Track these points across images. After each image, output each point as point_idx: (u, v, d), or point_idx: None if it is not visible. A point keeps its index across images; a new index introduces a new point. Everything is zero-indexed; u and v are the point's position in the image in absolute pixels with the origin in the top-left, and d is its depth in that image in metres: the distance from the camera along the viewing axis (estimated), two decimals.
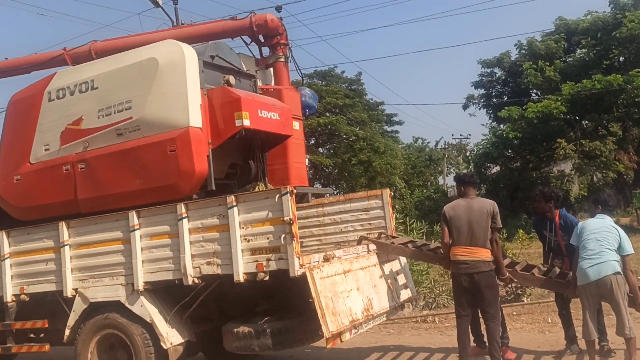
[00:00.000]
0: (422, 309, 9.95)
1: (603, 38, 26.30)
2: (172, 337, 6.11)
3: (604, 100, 24.95)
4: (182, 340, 6.20)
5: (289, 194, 5.43)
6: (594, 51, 26.59)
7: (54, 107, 6.96)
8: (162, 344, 6.02)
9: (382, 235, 6.96)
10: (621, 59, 26.79)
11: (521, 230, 12.93)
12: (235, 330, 5.95)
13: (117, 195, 6.56)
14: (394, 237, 7.04)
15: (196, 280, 5.90)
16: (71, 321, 6.50)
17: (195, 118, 6.23)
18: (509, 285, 9.68)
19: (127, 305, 6.18)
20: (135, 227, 6.15)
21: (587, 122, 26.79)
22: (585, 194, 26.80)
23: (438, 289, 10.54)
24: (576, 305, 7.68)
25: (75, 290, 6.50)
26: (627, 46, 25.74)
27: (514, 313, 8.96)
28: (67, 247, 6.54)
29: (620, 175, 25.96)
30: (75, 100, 6.81)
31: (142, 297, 6.13)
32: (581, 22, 28.19)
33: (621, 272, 5.56)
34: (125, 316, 6.20)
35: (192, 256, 5.90)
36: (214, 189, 6.38)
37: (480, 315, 6.24)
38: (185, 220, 5.92)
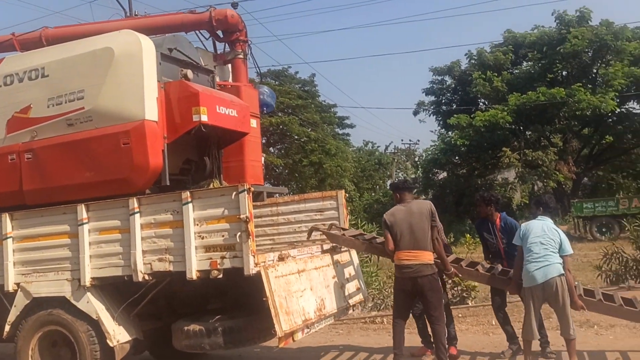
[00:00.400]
0: (371, 310, 10.05)
1: (548, 52, 27.40)
2: (119, 334, 5.95)
3: (547, 112, 25.99)
4: (130, 338, 6.05)
5: (245, 192, 5.37)
6: (540, 64, 27.65)
7: (1, 94, 6.68)
8: (108, 341, 5.85)
9: (333, 227, 6.93)
10: (564, 73, 27.97)
11: (467, 235, 13.26)
12: (185, 328, 5.84)
13: (66, 187, 6.33)
14: (344, 229, 7.01)
15: (147, 277, 5.76)
16: (12, 317, 6.24)
17: (151, 111, 6.09)
18: (455, 288, 9.94)
19: (72, 301, 5.98)
20: (84, 221, 5.95)
21: (530, 132, 27.81)
22: (527, 202, 27.82)
23: (387, 290, 10.65)
24: (513, 307, 7.98)
25: (18, 284, 6.25)
26: (570, 61, 26.91)
27: (460, 315, 9.15)
28: (9, 240, 6.28)
29: (560, 184, 27.08)
30: (24, 88, 6.54)
31: (88, 293, 5.94)
32: (528, 35, 29.26)
33: (564, 274, 5.77)
34: (70, 312, 6.00)
35: (144, 252, 5.75)
36: (168, 184, 6.25)
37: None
38: (137, 215, 5.77)
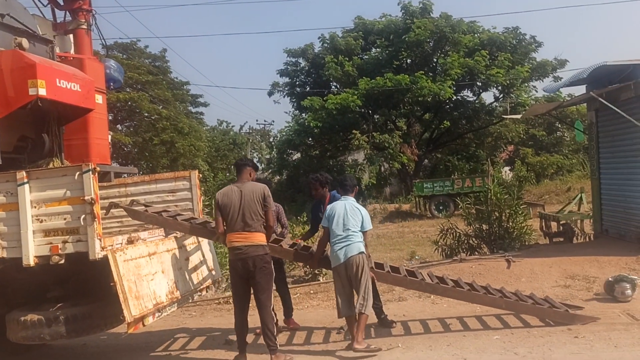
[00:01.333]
0: (225, 291, 10.02)
1: (394, 40, 28.92)
2: None
3: (393, 97, 27.49)
4: None
5: (90, 172, 5.10)
6: (387, 51, 29.09)
7: None
8: None
9: (134, 203, 6.71)
10: (409, 60, 29.69)
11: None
12: (22, 318, 5.45)
13: None
14: (147, 206, 6.70)
15: None
16: None
17: None
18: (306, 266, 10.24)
19: None
20: None
21: (378, 116, 29.23)
22: (374, 182, 29.39)
23: None
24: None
25: None
26: (414, 49, 28.64)
27: (311, 292, 9.47)
28: None
29: (404, 166, 28.90)
30: None
31: None
32: (377, 23, 30.63)
33: (364, 252, 6.11)
34: None
35: None
36: (0, 163, 5.72)
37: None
38: None
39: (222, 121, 51.08)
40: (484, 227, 11.11)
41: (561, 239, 11.03)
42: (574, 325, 6.10)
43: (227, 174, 38.19)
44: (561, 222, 11.42)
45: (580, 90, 11.89)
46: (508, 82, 27.87)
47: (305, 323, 7.43)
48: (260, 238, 5.86)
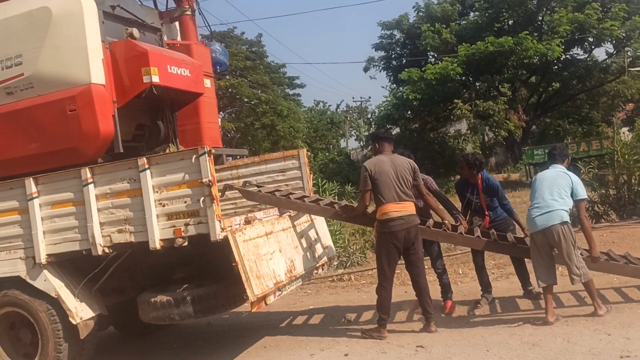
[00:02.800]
0: (337, 268, 10.01)
1: (494, 1, 27.41)
2: (81, 311, 5.68)
3: (495, 62, 26.15)
4: (93, 314, 5.77)
5: (206, 154, 5.12)
6: (486, 14, 27.66)
7: None
8: (70, 319, 5.58)
9: (248, 184, 6.71)
10: (510, 22, 28.06)
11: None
12: (152, 300, 5.62)
13: (10, 161, 5.95)
14: (260, 187, 6.69)
15: (106, 250, 5.48)
16: None
17: (98, 74, 5.70)
18: None
19: (28, 280, 5.65)
20: (34, 196, 5.58)
21: (480, 83, 28.00)
22: (479, 152, 28.25)
23: (351, 247, 10.64)
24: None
25: None
26: (516, 9, 27.00)
27: (427, 266, 9.18)
28: None
29: (510, 133, 27.51)
30: None
31: (45, 271, 5.62)
32: None
33: (569, 222, 5.61)
34: (26, 292, 5.68)
35: (101, 224, 5.47)
36: (121, 151, 5.92)
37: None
38: (91, 186, 5.45)
39: (319, 101, 51.56)
40: (611, 192, 10.26)
41: None
42: None
43: (327, 154, 38.37)
44: None
45: None
46: (624, 34, 25.58)
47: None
48: (414, 208, 5.92)
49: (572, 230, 5.61)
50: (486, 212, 6.71)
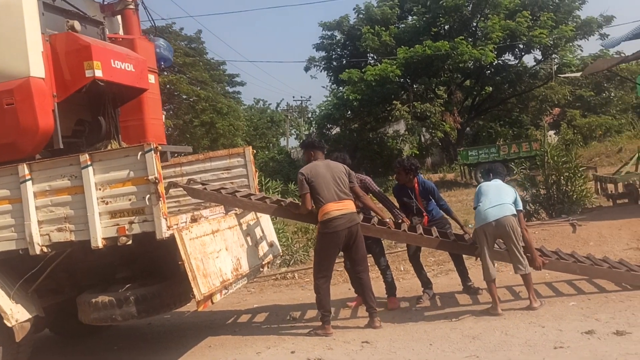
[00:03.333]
0: (280, 267, 10.02)
1: (432, 6, 28.17)
2: (17, 313, 5.47)
3: (432, 65, 26.85)
4: (29, 316, 5.57)
5: (152, 151, 5.03)
6: (424, 18, 28.37)
7: None
8: (5, 322, 5.36)
9: (192, 182, 6.71)
10: (447, 27, 28.89)
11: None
12: (93, 300, 5.46)
13: None
14: (204, 184, 6.67)
15: (45, 249, 5.30)
16: None
17: (37, 67, 5.49)
18: None
19: None
20: None
21: (418, 85, 28.65)
22: (417, 152, 28.93)
23: (295, 245, 10.68)
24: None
25: None
26: (452, 15, 27.84)
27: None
28: None
29: (446, 134, 28.34)
30: None
31: None
32: None
33: (517, 216, 5.94)
34: None
35: (40, 223, 5.28)
36: (61, 147, 5.73)
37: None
38: (29, 183, 5.25)
39: (259, 99, 51.15)
40: (542, 192, 10.75)
41: (626, 201, 10.58)
42: None
43: (267, 152, 38.26)
44: (625, 183, 10.94)
45: (633, 45, 11.26)
46: (552, 42, 26.86)
47: None
48: (354, 206, 6.08)
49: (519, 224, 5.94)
50: (424, 213, 6.92)
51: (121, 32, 7.15)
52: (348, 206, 5.96)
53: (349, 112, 29.65)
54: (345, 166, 6.26)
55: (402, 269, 8.66)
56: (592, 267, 6.21)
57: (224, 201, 6.37)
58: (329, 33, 32.06)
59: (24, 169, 5.24)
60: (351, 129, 30.37)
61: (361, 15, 30.61)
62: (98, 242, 5.14)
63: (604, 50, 27.58)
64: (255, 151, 7.21)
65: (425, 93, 28.95)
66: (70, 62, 5.67)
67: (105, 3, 7.13)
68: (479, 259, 6.19)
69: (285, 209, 6.42)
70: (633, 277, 6.05)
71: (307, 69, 32.95)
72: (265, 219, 7.11)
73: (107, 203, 5.18)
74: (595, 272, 6.22)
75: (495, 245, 6.06)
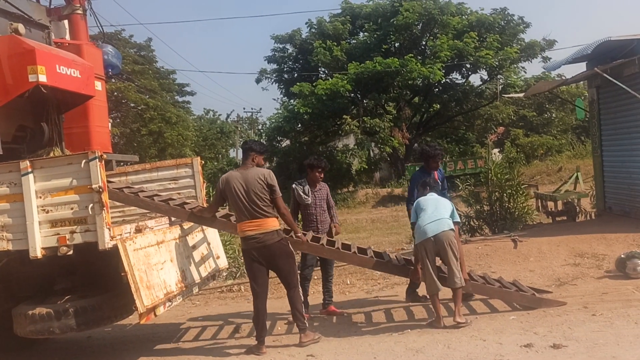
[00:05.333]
0: (227, 279, 9.91)
1: (383, 24, 28.75)
2: None
3: (382, 81, 27.34)
4: None
5: (97, 160, 4.93)
6: (375, 35, 28.88)
7: None
8: None
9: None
10: (397, 44, 29.51)
11: None
12: (29, 312, 5.29)
13: None
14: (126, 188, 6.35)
15: None
16: None
17: None
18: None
19: None
20: None
21: (368, 100, 29.05)
22: (365, 167, 29.28)
23: (241, 258, 10.56)
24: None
25: None
26: (403, 33, 28.48)
27: (315, 277, 9.36)
28: None
29: (395, 150, 28.78)
30: None
31: None
32: (364, 7, 30.40)
33: (454, 230, 6.06)
34: None
35: None
36: (0, 153, 5.52)
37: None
38: None
39: (209, 110, 50.86)
40: (485, 208, 11.07)
41: (564, 218, 11.02)
42: (591, 304, 6.06)
43: (216, 163, 37.96)
44: (564, 201, 11.41)
45: (572, 68, 11.80)
46: (497, 63, 27.79)
47: (316, 309, 7.34)
48: (273, 224, 5.73)
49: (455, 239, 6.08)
50: None
51: (68, 37, 6.99)
52: (262, 225, 5.65)
53: (300, 125, 29.77)
54: (268, 174, 5.80)
55: (349, 282, 8.72)
56: (483, 286, 6.37)
57: (142, 205, 6.14)
58: (280, 46, 32.24)
59: None
60: (301, 142, 30.45)
61: (313, 30, 30.90)
62: (37, 252, 4.99)
63: (546, 73, 28.65)
64: (203, 162, 7.15)
65: (375, 108, 29.37)
66: (13, 65, 5.50)
67: (52, 7, 6.97)
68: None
69: (190, 214, 6.08)
70: (521, 297, 6.24)
71: (258, 80, 32.90)
72: (212, 231, 7.03)
73: (47, 212, 5.04)
74: (486, 290, 6.37)
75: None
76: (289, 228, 6.18)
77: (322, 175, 7.21)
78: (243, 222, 5.70)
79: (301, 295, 6.16)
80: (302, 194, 7.04)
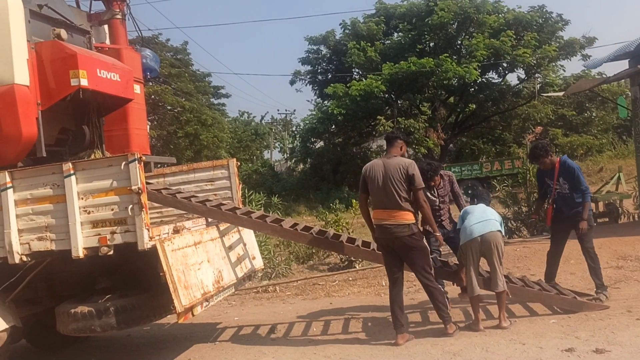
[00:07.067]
0: (262, 280, 9.98)
1: (417, 24, 28.49)
2: None
3: (417, 81, 27.09)
4: (7, 326, 5.51)
5: (136, 161, 5.02)
6: (410, 35, 28.64)
7: None
8: None
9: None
10: (432, 44, 29.22)
11: (354, 200, 13.50)
12: (72, 311, 5.41)
13: None
14: (164, 189, 6.57)
15: (24, 258, 5.26)
16: None
17: (22, 74, 5.47)
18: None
19: None
20: None
21: (402, 101, 28.85)
22: None
23: (277, 259, 10.65)
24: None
25: None
26: (438, 32, 28.18)
27: (350, 279, 9.37)
28: None
29: (430, 150, 28.46)
30: None
31: None
32: (399, 7, 30.16)
33: (502, 232, 5.94)
34: None
35: (20, 231, 5.25)
36: (44, 155, 5.68)
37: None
38: (10, 191, 5.22)
39: (244, 112, 51.28)
40: (523, 209, 10.87)
41: (606, 219, 10.73)
42: (635, 308, 5.89)
43: (250, 165, 38.23)
44: (605, 202, 11.11)
45: (614, 66, 11.49)
46: (535, 62, 27.27)
47: (351, 311, 7.34)
48: (406, 217, 5.59)
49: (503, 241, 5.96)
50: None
51: (108, 41, 7.15)
52: (394, 217, 5.59)
53: (333, 126, 29.75)
54: (411, 164, 5.63)
55: (384, 284, 8.67)
56: (522, 289, 6.23)
57: (183, 207, 6.28)
58: (314, 47, 32.25)
59: (5, 177, 5.20)
60: (335, 143, 30.45)
61: (347, 31, 30.83)
62: (79, 251, 5.10)
63: (586, 71, 28.01)
64: (239, 163, 7.20)
65: (410, 109, 29.15)
66: (56, 70, 5.65)
67: (93, 12, 7.14)
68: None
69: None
70: (562, 301, 6.12)
71: (292, 82, 33.03)
72: (248, 232, 7.08)
73: (89, 212, 5.15)
74: (525, 293, 6.25)
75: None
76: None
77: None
78: (376, 210, 5.75)
79: (439, 287, 6.01)
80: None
